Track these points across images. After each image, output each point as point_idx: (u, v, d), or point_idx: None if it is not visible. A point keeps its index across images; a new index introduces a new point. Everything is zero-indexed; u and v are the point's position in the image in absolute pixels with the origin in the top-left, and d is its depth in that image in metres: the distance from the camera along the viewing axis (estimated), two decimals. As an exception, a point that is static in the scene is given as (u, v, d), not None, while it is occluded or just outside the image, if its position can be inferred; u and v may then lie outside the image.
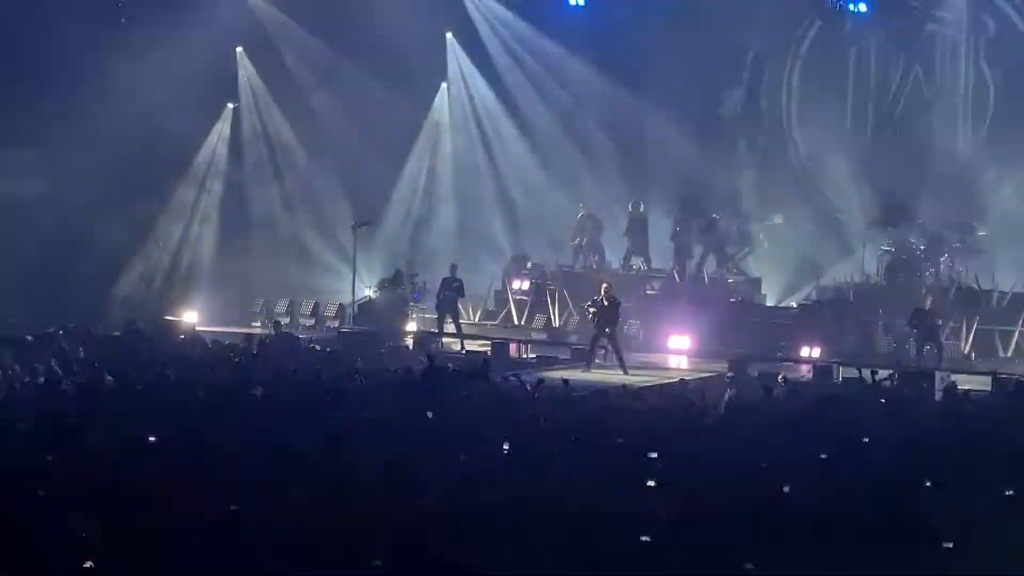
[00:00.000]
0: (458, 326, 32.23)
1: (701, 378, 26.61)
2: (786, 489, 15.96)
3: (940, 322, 29.83)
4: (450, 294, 32.17)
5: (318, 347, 28.84)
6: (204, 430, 17.44)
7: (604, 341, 28.73)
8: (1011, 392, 22.91)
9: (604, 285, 29.40)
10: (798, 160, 34.16)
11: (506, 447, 17.59)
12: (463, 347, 31.15)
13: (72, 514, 13.36)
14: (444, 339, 31.79)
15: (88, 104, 32.64)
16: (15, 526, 12.99)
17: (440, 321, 32.26)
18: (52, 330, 26.37)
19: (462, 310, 33.36)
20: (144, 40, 33.27)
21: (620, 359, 28.38)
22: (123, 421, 18.09)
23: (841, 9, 35.63)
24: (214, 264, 36.41)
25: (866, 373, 24.12)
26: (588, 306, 29.42)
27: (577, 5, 37.14)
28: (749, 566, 12.84)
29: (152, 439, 17.05)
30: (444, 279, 32.48)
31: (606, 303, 28.70)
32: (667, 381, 26.20)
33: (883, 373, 24.78)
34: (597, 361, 28.80)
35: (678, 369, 29.08)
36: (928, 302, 29.99)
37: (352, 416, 18.94)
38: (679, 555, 12.94)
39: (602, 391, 23.38)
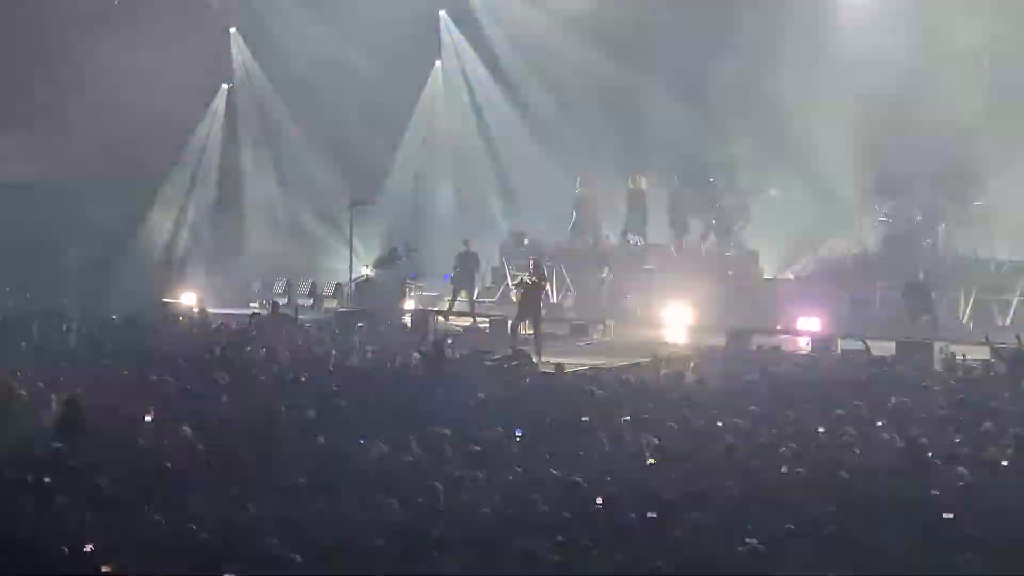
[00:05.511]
0: (472, 302, 32.24)
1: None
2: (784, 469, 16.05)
3: (934, 293, 29.82)
4: (468, 268, 32.18)
5: (308, 325, 28.77)
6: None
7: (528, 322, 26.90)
8: (1010, 361, 22.82)
9: (532, 260, 27.81)
10: (793, 132, 34.02)
11: (518, 433, 17.70)
12: (475, 321, 31.07)
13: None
14: (441, 317, 31.71)
15: (81, 85, 32.55)
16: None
17: (454, 295, 32.22)
18: None
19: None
20: (138, 20, 33.18)
21: (537, 343, 26.22)
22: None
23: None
24: (211, 245, 36.38)
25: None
26: (515, 284, 27.97)
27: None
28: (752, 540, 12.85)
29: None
30: (460, 253, 32.43)
31: (530, 282, 27.03)
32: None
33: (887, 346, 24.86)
34: (591, 341, 28.74)
35: (676, 344, 28.93)
36: (921, 273, 30.01)
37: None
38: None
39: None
